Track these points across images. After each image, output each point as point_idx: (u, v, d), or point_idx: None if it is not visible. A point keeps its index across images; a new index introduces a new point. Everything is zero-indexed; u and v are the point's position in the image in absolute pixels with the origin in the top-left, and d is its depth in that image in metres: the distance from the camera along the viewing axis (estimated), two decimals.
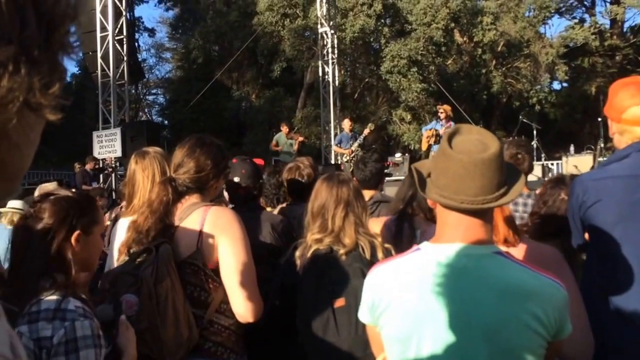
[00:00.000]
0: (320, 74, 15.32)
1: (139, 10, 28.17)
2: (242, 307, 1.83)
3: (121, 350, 1.50)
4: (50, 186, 4.41)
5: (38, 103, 0.43)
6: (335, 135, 12.93)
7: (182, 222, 1.91)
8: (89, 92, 18.97)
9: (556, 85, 22.21)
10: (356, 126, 11.52)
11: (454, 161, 1.18)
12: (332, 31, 15.07)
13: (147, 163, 2.20)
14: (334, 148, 12.04)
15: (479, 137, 1.23)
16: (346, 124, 10.58)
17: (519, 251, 1.63)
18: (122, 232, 2.09)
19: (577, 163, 9.76)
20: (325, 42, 15.11)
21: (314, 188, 2.24)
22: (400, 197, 2.56)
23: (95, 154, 10.47)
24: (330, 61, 14.99)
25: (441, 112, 9.26)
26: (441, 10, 17.76)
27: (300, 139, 10.81)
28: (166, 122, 24.35)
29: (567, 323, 1.20)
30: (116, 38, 10.93)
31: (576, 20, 21.89)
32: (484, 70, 19.62)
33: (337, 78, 15.30)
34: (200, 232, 1.85)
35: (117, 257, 2.01)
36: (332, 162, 12.81)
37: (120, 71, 11.08)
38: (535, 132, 11.29)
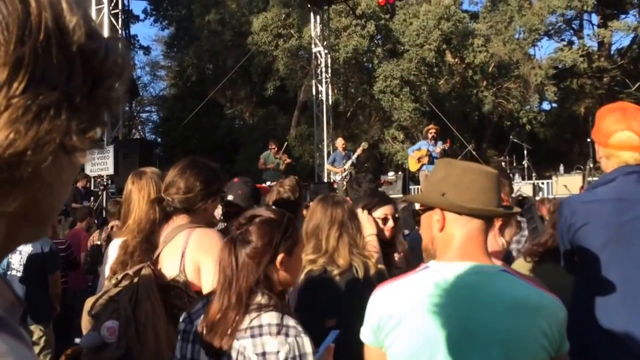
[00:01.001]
0: (314, 92, 15.41)
1: (134, 29, 28.31)
2: None
3: None
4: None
5: (73, 146, 0.45)
6: (329, 153, 12.98)
7: (167, 244, 1.91)
8: None
9: (545, 106, 22.51)
10: (349, 144, 11.56)
11: (479, 173, 1.30)
12: (326, 51, 15.22)
13: (143, 183, 2.21)
14: (327, 167, 12.08)
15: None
16: (339, 142, 10.57)
17: None
18: (114, 252, 2.09)
19: (566, 183, 9.88)
20: (319, 62, 15.24)
21: (309, 209, 2.26)
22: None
23: (87, 171, 10.41)
24: (323, 80, 15.10)
25: (431, 131, 9.36)
26: (433, 32, 18.03)
27: (288, 160, 10.73)
28: (159, 139, 24.32)
29: (566, 339, 1.24)
30: None
31: (565, 43, 22.27)
32: (475, 91, 19.85)
33: (330, 97, 15.40)
34: (183, 255, 1.85)
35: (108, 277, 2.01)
36: (325, 180, 12.83)
37: None
38: (525, 151, 11.43)
